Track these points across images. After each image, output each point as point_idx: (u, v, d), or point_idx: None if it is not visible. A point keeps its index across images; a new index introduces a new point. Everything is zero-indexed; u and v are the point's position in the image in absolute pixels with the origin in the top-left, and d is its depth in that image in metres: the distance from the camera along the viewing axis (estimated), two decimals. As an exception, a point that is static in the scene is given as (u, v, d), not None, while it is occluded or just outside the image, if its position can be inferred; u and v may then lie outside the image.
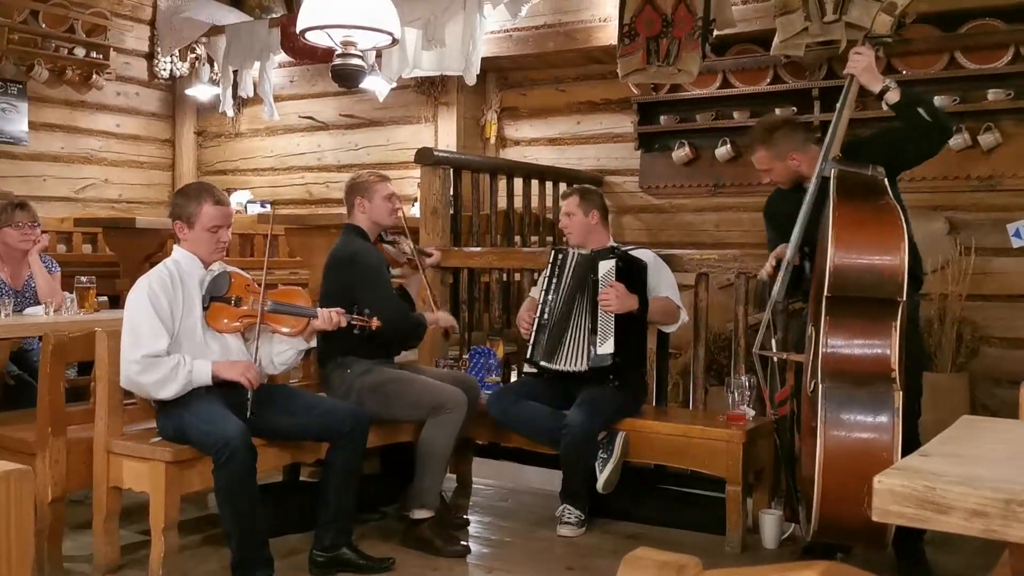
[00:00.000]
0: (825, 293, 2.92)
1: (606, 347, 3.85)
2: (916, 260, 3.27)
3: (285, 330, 3.41)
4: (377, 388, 3.77)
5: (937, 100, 5.42)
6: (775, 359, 3.57)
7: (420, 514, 3.67)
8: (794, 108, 5.87)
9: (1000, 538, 1.21)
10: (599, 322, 3.87)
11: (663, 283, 4.05)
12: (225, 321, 3.36)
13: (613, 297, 3.82)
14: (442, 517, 3.81)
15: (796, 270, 3.38)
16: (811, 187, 3.29)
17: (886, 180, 3.13)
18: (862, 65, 3.27)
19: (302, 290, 3.62)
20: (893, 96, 3.26)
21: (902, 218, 2.95)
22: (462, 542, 3.70)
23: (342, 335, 3.53)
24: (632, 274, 3.94)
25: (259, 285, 3.40)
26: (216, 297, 3.36)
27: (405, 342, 4.05)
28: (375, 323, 3.49)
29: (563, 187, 6.42)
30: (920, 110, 3.24)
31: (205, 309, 3.34)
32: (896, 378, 2.84)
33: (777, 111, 5.89)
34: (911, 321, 3.19)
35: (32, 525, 1.49)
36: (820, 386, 2.88)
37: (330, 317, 3.40)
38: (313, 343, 3.53)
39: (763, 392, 3.67)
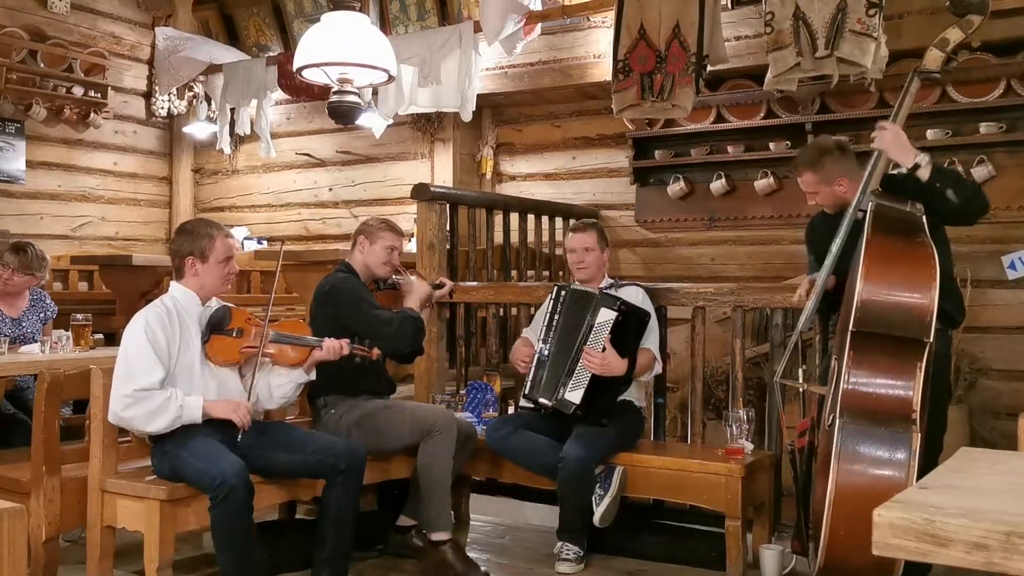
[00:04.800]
0: (850, 328, 2.86)
1: (574, 395, 3.81)
2: (953, 300, 3.24)
3: (286, 360, 3.41)
4: (362, 422, 3.78)
5: (929, 134, 5.45)
6: (801, 389, 3.51)
7: (439, 536, 3.67)
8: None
9: (1001, 571, 1.20)
10: (576, 369, 3.83)
11: (650, 332, 3.99)
12: (226, 353, 3.35)
13: (597, 364, 3.76)
14: (458, 543, 3.81)
15: (828, 301, 3.36)
16: (847, 218, 3.23)
17: (924, 218, 3.03)
18: (889, 140, 3.17)
19: (303, 322, 3.63)
20: (923, 174, 3.15)
21: (935, 257, 2.87)
22: (482, 568, 3.70)
23: (325, 373, 3.57)
24: (630, 327, 3.85)
25: (259, 320, 3.41)
26: (217, 330, 3.35)
27: (418, 343, 3.96)
28: (375, 353, 3.53)
29: (559, 222, 6.47)
30: (948, 193, 3.14)
31: (205, 342, 3.33)
32: (916, 420, 2.76)
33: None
34: (942, 357, 3.13)
35: (26, 565, 1.48)
36: (838, 421, 2.81)
37: (334, 347, 3.42)
38: (312, 376, 3.53)
39: (781, 420, 3.62)
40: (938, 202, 3.14)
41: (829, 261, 3.27)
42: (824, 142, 3.64)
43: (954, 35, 3.21)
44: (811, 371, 3.71)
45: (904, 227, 2.99)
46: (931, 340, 2.81)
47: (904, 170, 3.22)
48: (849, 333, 2.87)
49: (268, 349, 3.37)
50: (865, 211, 3.05)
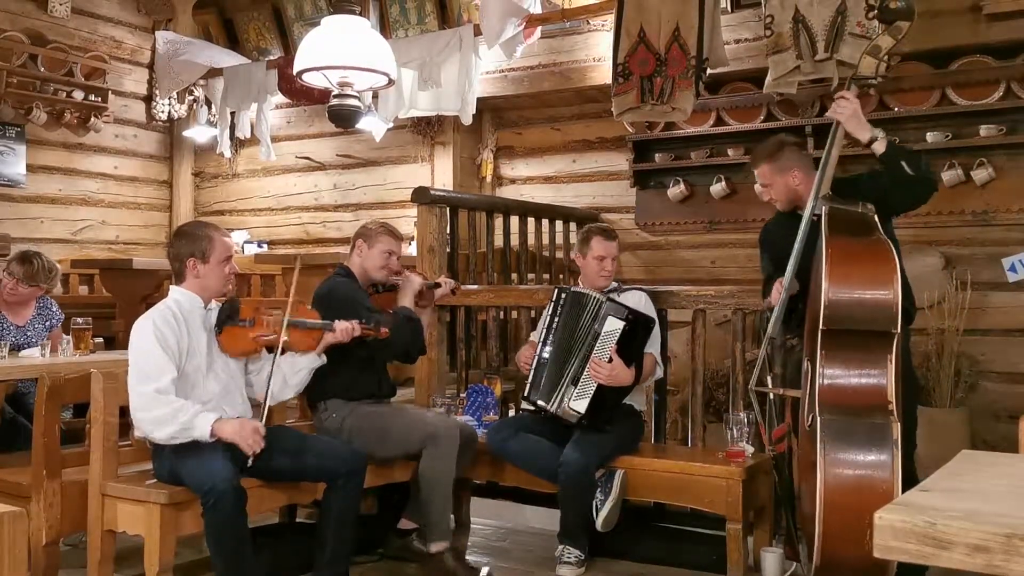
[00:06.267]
0: (820, 327, 2.94)
1: (579, 405, 3.78)
2: (907, 295, 3.28)
3: (300, 345, 3.48)
4: (365, 427, 3.77)
5: (929, 136, 5.47)
6: (772, 395, 3.55)
7: (437, 547, 3.67)
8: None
9: (1002, 574, 1.20)
10: (582, 378, 3.80)
11: (653, 337, 3.98)
12: (241, 344, 3.38)
13: (604, 375, 3.73)
14: (458, 550, 3.81)
15: (793, 306, 3.39)
16: (803, 224, 3.32)
17: (876, 216, 3.16)
18: (847, 113, 3.30)
19: (308, 307, 3.68)
20: (879, 147, 3.29)
21: (894, 252, 2.98)
22: (484, 569, 3.71)
23: (325, 377, 3.62)
24: (637, 336, 3.82)
25: (269, 310, 3.47)
26: (229, 321, 3.37)
27: (416, 343, 3.91)
28: (384, 331, 3.60)
29: (559, 225, 6.47)
30: (903, 163, 3.27)
31: (218, 334, 3.35)
32: (893, 410, 2.84)
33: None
34: (903, 353, 3.19)
35: (26, 569, 1.48)
36: (818, 419, 2.87)
37: (346, 328, 3.51)
38: (324, 359, 3.58)
39: (760, 429, 3.65)
40: (895, 173, 3.27)
41: (791, 267, 3.34)
42: (781, 137, 3.79)
43: (885, 42, 3.34)
44: (785, 376, 3.73)
45: (859, 227, 3.12)
46: (898, 331, 2.91)
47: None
48: (820, 332, 2.95)
49: (283, 336, 3.41)
50: (820, 215, 3.16)
